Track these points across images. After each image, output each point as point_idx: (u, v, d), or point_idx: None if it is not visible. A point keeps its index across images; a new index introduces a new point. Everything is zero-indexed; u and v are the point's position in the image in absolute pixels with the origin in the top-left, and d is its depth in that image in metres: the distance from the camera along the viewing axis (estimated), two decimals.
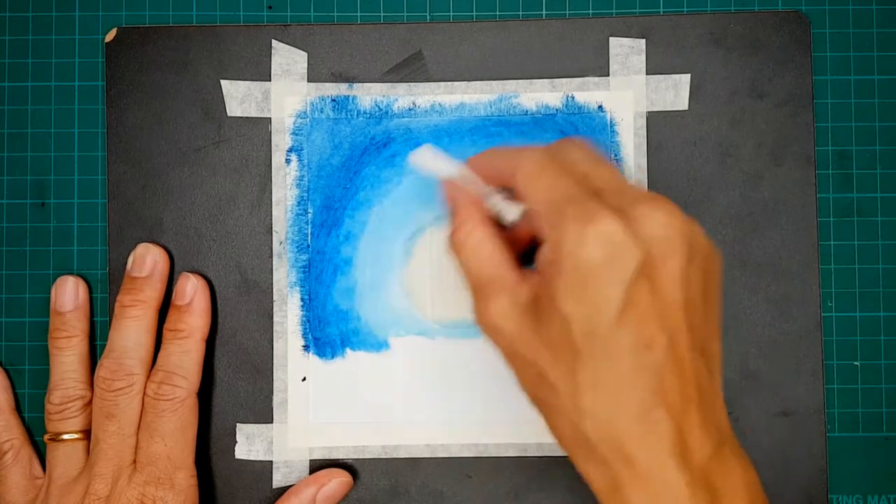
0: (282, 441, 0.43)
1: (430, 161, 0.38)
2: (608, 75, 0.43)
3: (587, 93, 0.43)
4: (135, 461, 0.39)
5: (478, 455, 0.42)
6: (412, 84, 0.43)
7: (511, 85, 0.43)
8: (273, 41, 0.43)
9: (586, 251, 0.30)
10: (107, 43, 0.44)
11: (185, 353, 0.41)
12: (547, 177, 0.33)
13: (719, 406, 0.32)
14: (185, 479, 0.40)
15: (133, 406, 0.40)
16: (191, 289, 0.42)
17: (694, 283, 0.31)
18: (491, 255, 0.34)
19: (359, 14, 0.45)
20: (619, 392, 0.30)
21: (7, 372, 0.44)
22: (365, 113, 0.43)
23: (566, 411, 0.31)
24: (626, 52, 0.43)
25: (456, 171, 0.37)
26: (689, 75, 0.43)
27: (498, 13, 0.45)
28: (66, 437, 0.41)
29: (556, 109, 0.43)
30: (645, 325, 0.30)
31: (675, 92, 0.43)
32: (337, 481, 0.42)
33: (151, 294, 0.42)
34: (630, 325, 0.30)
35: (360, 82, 0.43)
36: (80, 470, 0.40)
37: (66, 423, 0.41)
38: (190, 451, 0.40)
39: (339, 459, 0.43)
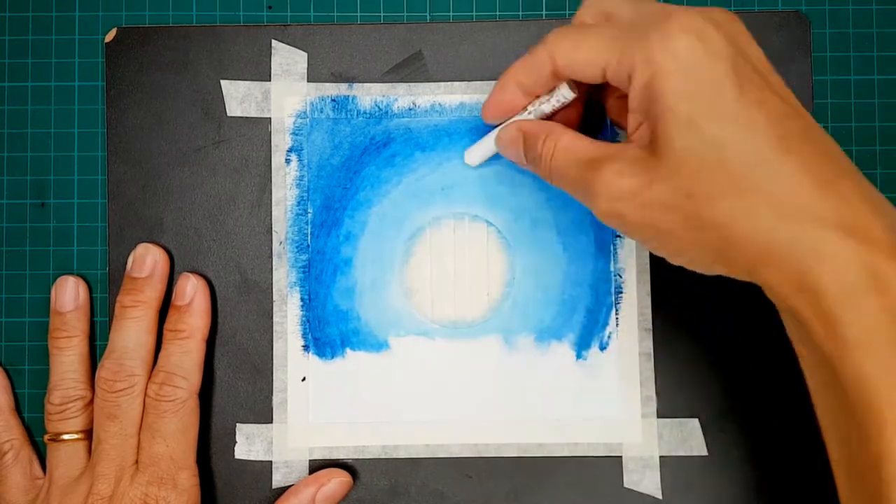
0: (282, 441, 0.43)
1: (479, 152, 0.41)
2: None
3: None
4: (137, 461, 0.40)
5: (478, 455, 0.42)
6: (412, 84, 0.43)
7: None
8: (273, 41, 0.43)
9: (678, 43, 0.30)
10: (107, 43, 0.44)
11: (186, 354, 0.41)
12: (589, 33, 0.33)
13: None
14: (188, 479, 0.40)
15: (134, 406, 0.40)
16: (191, 289, 0.42)
17: (758, 59, 0.32)
18: (587, 144, 0.34)
19: (359, 14, 0.45)
20: (781, 162, 0.29)
21: (7, 372, 0.44)
22: (365, 113, 0.43)
23: (731, 216, 0.30)
24: None
25: (497, 131, 0.39)
26: None
27: (498, 13, 0.45)
28: (66, 437, 0.41)
29: None
30: (768, 98, 0.30)
31: None
32: (336, 481, 0.42)
33: (152, 294, 0.42)
34: (755, 100, 0.30)
35: (360, 82, 0.43)
36: (82, 470, 0.40)
37: (66, 423, 0.41)
38: (192, 452, 0.40)
39: (339, 459, 0.43)
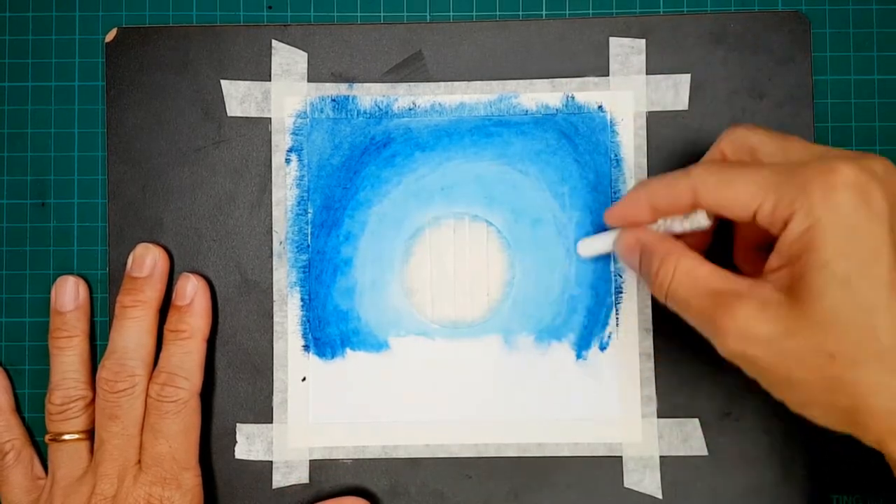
0: (282, 441, 0.43)
1: (595, 247, 0.41)
2: (608, 75, 0.43)
3: (587, 93, 0.43)
4: (139, 462, 0.40)
5: (478, 455, 0.42)
6: (412, 84, 0.43)
7: (511, 85, 0.43)
8: (273, 41, 0.43)
9: (841, 198, 0.30)
10: (107, 43, 0.44)
11: (187, 354, 0.41)
12: (741, 174, 0.32)
13: None
14: (191, 478, 0.40)
15: (136, 407, 0.40)
16: (191, 289, 0.42)
17: None
18: (710, 273, 0.33)
19: (359, 14, 0.45)
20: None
21: (7, 372, 0.44)
22: (365, 113, 0.43)
23: (871, 385, 0.29)
24: (626, 51, 0.43)
25: (618, 233, 0.38)
26: (688, 75, 0.43)
27: (498, 13, 0.45)
28: (67, 437, 0.41)
29: (556, 109, 0.43)
30: None
31: (675, 92, 0.43)
32: None
33: (152, 294, 0.42)
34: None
35: (360, 82, 0.43)
36: (84, 470, 0.40)
37: (67, 423, 0.41)
38: (194, 452, 0.41)
39: (339, 459, 0.43)
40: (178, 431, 0.40)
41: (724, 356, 0.33)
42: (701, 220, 0.35)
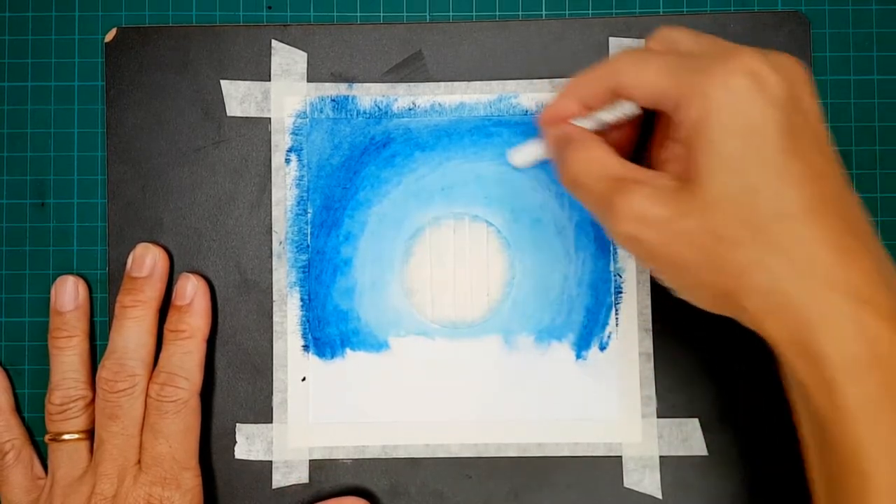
0: (282, 441, 0.43)
1: (525, 154, 0.41)
2: None
3: None
4: (139, 462, 0.40)
5: (477, 455, 0.42)
6: (412, 84, 0.43)
7: (511, 85, 0.43)
8: (273, 41, 0.43)
9: (735, 81, 0.30)
10: (106, 43, 0.44)
11: (187, 354, 0.41)
12: (655, 57, 0.33)
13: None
14: (191, 479, 0.40)
15: (136, 406, 0.40)
16: (191, 289, 0.42)
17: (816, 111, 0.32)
18: (616, 162, 0.34)
19: (358, 14, 0.45)
20: (809, 222, 0.29)
21: (7, 372, 0.44)
22: (365, 113, 0.43)
23: (751, 264, 0.30)
24: None
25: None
26: None
27: (498, 13, 0.45)
28: (67, 437, 0.41)
29: None
30: (811, 153, 0.30)
31: None
32: None
33: (151, 294, 0.42)
34: (798, 153, 0.30)
35: (359, 82, 0.43)
36: (84, 470, 0.40)
37: (67, 423, 0.41)
38: (194, 452, 0.40)
39: (339, 459, 0.43)
40: (178, 431, 0.40)
41: (616, 240, 0.34)
42: (626, 108, 0.36)
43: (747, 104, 0.30)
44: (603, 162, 0.34)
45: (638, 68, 0.33)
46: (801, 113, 0.31)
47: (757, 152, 0.30)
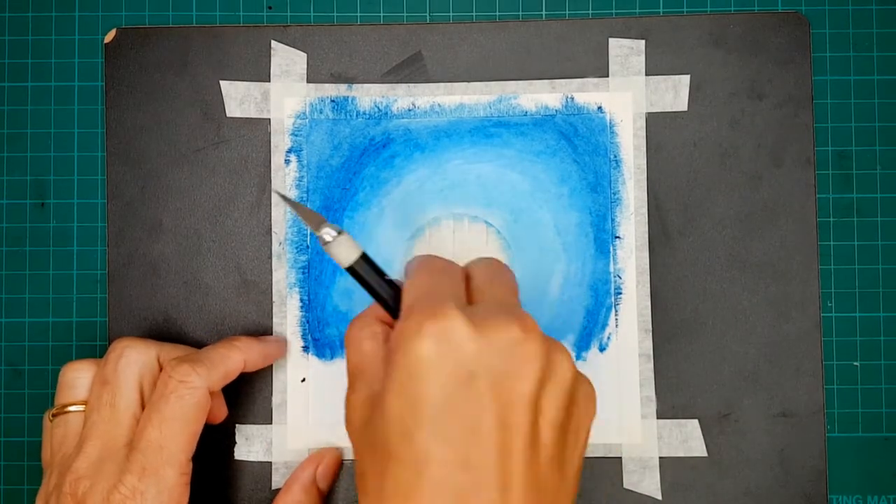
0: (281, 442, 0.43)
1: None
2: (608, 76, 0.43)
3: (587, 94, 0.43)
4: (127, 444, 0.37)
5: None
6: (411, 85, 0.43)
7: (510, 86, 0.43)
8: (272, 42, 0.43)
9: (419, 344, 0.29)
10: (106, 44, 0.44)
11: (224, 355, 0.39)
12: (425, 273, 0.33)
13: None
14: (174, 476, 0.36)
15: (131, 377, 0.38)
16: (274, 339, 0.42)
17: (547, 414, 0.30)
18: (371, 350, 0.33)
19: (358, 14, 0.45)
20: None
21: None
22: (364, 114, 0.43)
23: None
24: (626, 52, 0.43)
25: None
26: (688, 76, 0.43)
27: (498, 14, 0.45)
28: (72, 409, 0.39)
29: (556, 110, 0.43)
30: (467, 440, 0.28)
31: (674, 93, 0.43)
32: (331, 456, 0.42)
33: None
34: (448, 435, 0.28)
35: (359, 83, 0.43)
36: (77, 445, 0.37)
37: (73, 392, 0.39)
38: (185, 448, 0.37)
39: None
40: (174, 417, 0.37)
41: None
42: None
43: (419, 375, 0.29)
44: (365, 349, 0.33)
45: (412, 274, 0.33)
46: (488, 396, 0.29)
47: (402, 423, 0.29)
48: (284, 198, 0.35)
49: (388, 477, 0.28)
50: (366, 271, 0.34)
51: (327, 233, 0.33)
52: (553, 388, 0.30)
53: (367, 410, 0.31)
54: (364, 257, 0.34)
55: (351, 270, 0.34)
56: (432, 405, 0.28)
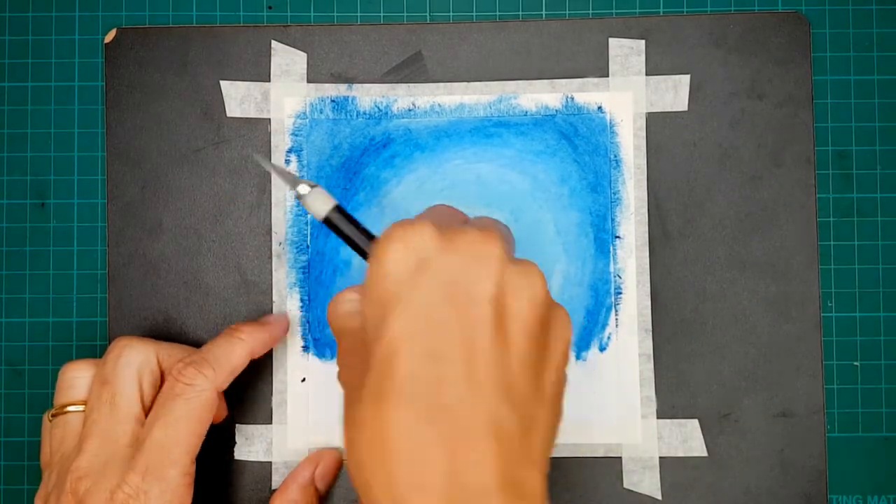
0: (281, 442, 0.43)
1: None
2: (608, 76, 0.43)
3: (587, 94, 0.43)
4: (131, 444, 0.37)
5: None
6: (412, 85, 0.43)
7: (510, 86, 0.43)
8: (272, 42, 0.43)
9: (388, 246, 0.30)
10: (106, 44, 0.44)
11: (229, 352, 0.39)
12: (426, 211, 0.34)
13: (529, 474, 0.29)
14: (177, 477, 0.36)
15: (130, 377, 0.38)
16: (275, 318, 0.42)
17: (516, 316, 0.30)
18: (350, 309, 0.33)
19: (359, 14, 0.45)
20: (389, 406, 0.28)
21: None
22: (364, 114, 0.43)
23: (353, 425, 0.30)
24: (626, 52, 0.43)
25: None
26: (688, 76, 0.43)
27: (498, 13, 0.45)
28: (71, 409, 0.38)
29: (556, 110, 0.43)
30: (431, 333, 0.29)
31: (674, 93, 0.43)
32: (330, 457, 0.42)
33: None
34: (413, 329, 0.29)
35: (359, 83, 0.43)
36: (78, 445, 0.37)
37: (71, 391, 0.39)
38: (190, 449, 0.37)
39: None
40: (181, 418, 0.37)
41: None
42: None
43: (385, 276, 0.30)
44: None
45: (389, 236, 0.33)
46: (452, 297, 0.30)
47: (375, 329, 0.30)
48: (262, 161, 0.37)
49: (366, 382, 0.29)
50: (341, 221, 0.35)
51: (303, 188, 0.35)
52: (521, 293, 0.30)
53: (353, 357, 0.31)
54: (338, 208, 0.35)
55: (327, 222, 0.35)
56: (398, 300, 0.29)
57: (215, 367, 0.38)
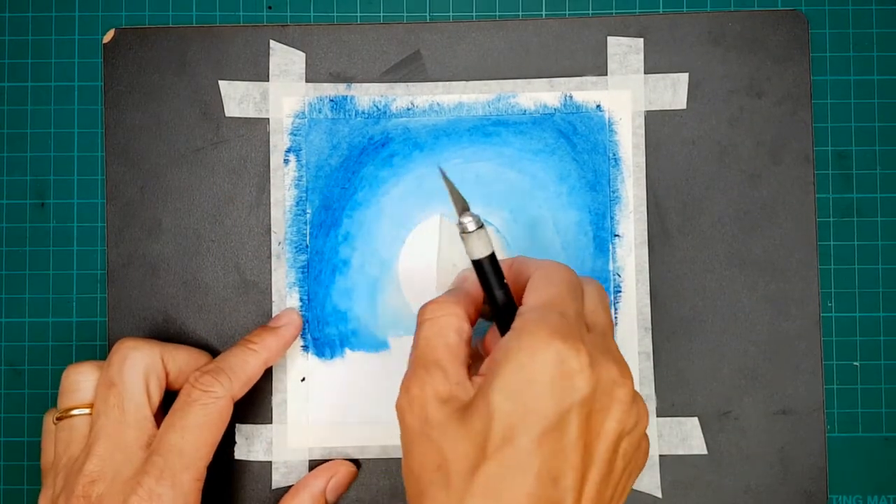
0: (281, 441, 0.43)
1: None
2: (606, 74, 0.43)
3: (585, 92, 0.43)
4: (147, 447, 0.37)
5: None
6: (410, 84, 0.43)
7: (509, 84, 0.43)
8: (271, 41, 0.43)
9: (542, 358, 0.31)
10: (105, 44, 0.44)
11: (243, 362, 0.39)
12: (555, 285, 0.34)
13: None
14: (190, 481, 0.37)
15: (138, 379, 0.38)
16: (286, 319, 0.42)
17: (622, 454, 0.32)
18: (456, 342, 0.34)
19: (358, 14, 0.45)
20: None
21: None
22: (363, 113, 0.43)
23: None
24: (625, 51, 0.43)
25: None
26: (687, 74, 0.43)
27: (498, 13, 0.45)
28: (75, 412, 0.38)
29: (555, 109, 0.43)
30: (561, 458, 0.30)
31: (673, 91, 0.43)
32: (346, 470, 0.42)
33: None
34: (547, 450, 0.30)
35: (358, 82, 0.43)
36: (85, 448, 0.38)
37: (76, 395, 0.39)
38: (205, 455, 0.38)
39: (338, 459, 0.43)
40: (197, 425, 0.37)
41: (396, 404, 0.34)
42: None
43: (535, 386, 0.31)
44: (449, 336, 0.34)
45: (544, 279, 0.34)
46: (584, 425, 0.31)
47: (510, 427, 0.30)
48: (444, 176, 0.36)
49: (480, 475, 0.30)
50: (489, 271, 0.35)
51: (469, 223, 0.35)
52: (633, 433, 0.32)
53: (452, 410, 0.32)
54: (492, 256, 0.35)
55: (476, 264, 0.35)
56: (543, 417, 0.30)
57: (231, 376, 0.39)
